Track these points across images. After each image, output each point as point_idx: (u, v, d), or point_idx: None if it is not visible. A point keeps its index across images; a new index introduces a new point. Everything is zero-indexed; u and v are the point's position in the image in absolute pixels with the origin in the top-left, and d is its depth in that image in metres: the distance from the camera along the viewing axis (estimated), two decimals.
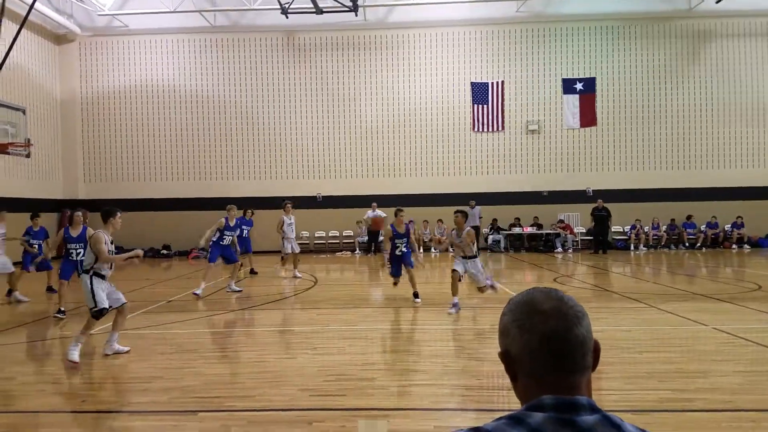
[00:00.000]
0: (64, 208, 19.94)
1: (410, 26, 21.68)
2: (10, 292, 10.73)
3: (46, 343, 7.50)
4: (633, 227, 21.06)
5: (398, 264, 10.02)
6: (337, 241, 21.95)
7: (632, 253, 20.17)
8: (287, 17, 19.85)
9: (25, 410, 4.91)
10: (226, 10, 21.25)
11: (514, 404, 1.07)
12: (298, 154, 22.06)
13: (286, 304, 10.39)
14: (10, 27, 14.22)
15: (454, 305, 8.71)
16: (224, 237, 11.22)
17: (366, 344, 7.19)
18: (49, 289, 11.16)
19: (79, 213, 9.41)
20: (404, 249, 9.96)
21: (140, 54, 22.00)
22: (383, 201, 20.57)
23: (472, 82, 21.67)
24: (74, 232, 9.27)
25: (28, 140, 13.43)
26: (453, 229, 9.10)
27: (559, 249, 20.51)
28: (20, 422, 4.61)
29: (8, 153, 13.04)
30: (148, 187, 21.91)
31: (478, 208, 17.79)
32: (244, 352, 6.88)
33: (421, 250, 10.49)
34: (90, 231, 8.63)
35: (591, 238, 20.47)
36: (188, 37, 21.90)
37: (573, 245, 20.88)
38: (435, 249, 20.42)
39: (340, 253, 21.30)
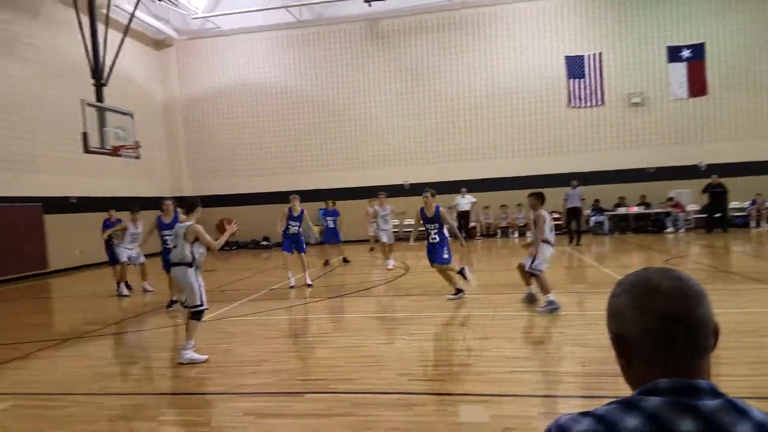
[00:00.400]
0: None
1: (497, 2, 20.97)
2: (125, 285, 11.56)
3: (162, 331, 8.08)
4: (753, 203, 19.21)
5: (433, 252, 8.82)
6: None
7: (753, 230, 18.43)
8: (370, 5, 19.95)
9: (149, 392, 5.32)
10: (310, 3, 21.68)
11: (623, 391, 0.99)
12: (385, 142, 22.12)
13: (378, 292, 10.52)
14: (115, 36, 15.41)
15: (528, 296, 8.09)
16: (289, 226, 11.43)
17: (462, 331, 7.11)
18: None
19: (170, 201, 9.70)
20: (436, 237, 8.59)
21: (232, 53, 23.01)
22: (474, 185, 20.24)
23: (566, 56, 20.58)
24: (167, 219, 9.46)
25: (137, 142, 14.46)
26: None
27: (670, 229, 19.15)
28: (146, 403, 5.01)
29: (120, 155, 14.13)
30: (247, 182, 22.97)
31: (579, 188, 16.91)
32: (343, 337, 7.04)
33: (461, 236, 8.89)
34: (182, 219, 8.97)
35: (705, 216, 18.92)
36: (276, 33, 22.61)
37: (685, 224, 19.41)
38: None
39: None
